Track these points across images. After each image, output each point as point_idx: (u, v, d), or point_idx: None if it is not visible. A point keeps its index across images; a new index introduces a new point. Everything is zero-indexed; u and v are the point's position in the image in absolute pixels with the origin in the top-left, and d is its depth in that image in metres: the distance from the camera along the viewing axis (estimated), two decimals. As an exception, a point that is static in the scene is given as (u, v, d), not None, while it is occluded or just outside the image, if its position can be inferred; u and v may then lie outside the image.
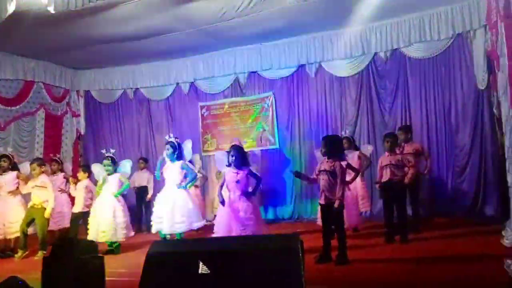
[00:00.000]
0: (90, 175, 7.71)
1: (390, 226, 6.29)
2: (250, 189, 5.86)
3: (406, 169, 6.42)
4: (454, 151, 8.40)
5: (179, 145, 7.01)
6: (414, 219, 6.94)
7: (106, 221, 6.69)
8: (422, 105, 8.69)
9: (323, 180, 5.39)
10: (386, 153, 6.48)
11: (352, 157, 7.37)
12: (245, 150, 6.83)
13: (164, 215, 6.56)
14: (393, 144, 6.48)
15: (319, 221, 6.95)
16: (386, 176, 6.37)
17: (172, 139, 6.96)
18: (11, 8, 6.18)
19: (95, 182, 7.53)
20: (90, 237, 6.61)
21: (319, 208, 6.28)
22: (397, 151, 6.66)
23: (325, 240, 5.38)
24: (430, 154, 7.65)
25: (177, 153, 6.87)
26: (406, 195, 6.50)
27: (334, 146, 5.55)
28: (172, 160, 6.88)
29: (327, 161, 5.41)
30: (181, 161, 6.88)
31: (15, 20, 6.51)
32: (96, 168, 7.39)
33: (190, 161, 7.72)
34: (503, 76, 5.66)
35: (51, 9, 6.03)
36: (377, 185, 6.80)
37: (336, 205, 5.24)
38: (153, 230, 6.79)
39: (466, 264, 4.83)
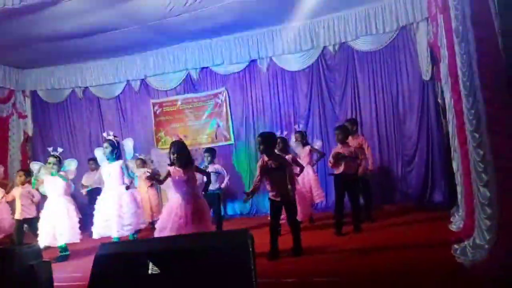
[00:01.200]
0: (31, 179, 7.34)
1: (341, 218, 6.39)
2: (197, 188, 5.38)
3: (358, 160, 6.56)
4: (402, 140, 8.68)
5: (118, 143, 6.71)
6: (367, 209, 7.12)
7: (62, 223, 6.46)
8: (371, 97, 8.92)
9: (274, 177, 5.41)
10: (339, 145, 6.56)
11: (304, 151, 7.48)
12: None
13: (111, 218, 6.29)
14: (344, 135, 6.57)
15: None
16: (340, 168, 6.43)
17: (111, 137, 6.64)
18: None
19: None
20: (44, 242, 6.38)
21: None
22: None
23: (274, 236, 5.40)
24: (369, 147, 7.42)
25: (116, 152, 6.54)
26: (359, 186, 6.67)
27: (271, 143, 5.53)
28: (110, 160, 6.54)
29: (269, 160, 5.42)
30: (121, 161, 6.55)
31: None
32: (34, 166, 7.01)
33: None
34: (445, 66, 5.89)
35: (-14, 7, 5.79)
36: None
37: (292, 198, 5.35)
38: (95, 235, 6.37)
39: (416, 251, 4.98)
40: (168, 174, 5.16)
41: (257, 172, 5.49)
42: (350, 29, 8.74)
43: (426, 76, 8.16)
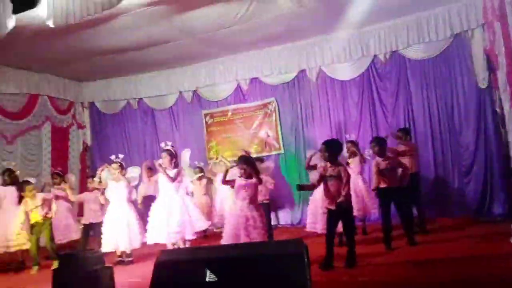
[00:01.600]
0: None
1: (389, 232, 6.24)
2: (259, 198, 5.83)
3: (399, 170, 6.40)
4: (459, 150, 8.41)
5: (176, 153, 6.93)
6: (420, 220, 6.94)
7: (124, 229, 6.70)
8: (425, 105, 8.72)
9: (331, 185, 5.41)
10: (378, 158, 6.43)
11: (354, 161, 7.40)
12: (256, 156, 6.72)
13: (161, 225, 6.47)
14: (382, 148, 6.41)
15: (310, 227, 6.98)
16: (383, 181, 6.31)
17: (169, 147, 6.87)
18: (10, 24, 6.28)
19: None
20: (107, 247, 6.62)
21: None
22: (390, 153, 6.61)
23: (330, 246, 5.38)
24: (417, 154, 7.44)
25: (175, 161, 6.78)
26: (405, 197, 6.49)
27: (336, 150, 5.58)
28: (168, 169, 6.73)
29: (330, 166, 5.44)
30: (176, 170, 6.73)
31: (16, 34, 6.60)
32: (100, 169, 7.36)
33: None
34: (502, 74, 5.70)
35: (50, 23, 6.10)
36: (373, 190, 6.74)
37: (340, 200, 5.28)
38: (149, 240, 6.65)
39: (475, 265, 4.83)
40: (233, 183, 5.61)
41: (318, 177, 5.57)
42: (402, 37, 8.60)
43: (483, 84, 7.91)
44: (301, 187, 5.75)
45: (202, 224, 6.88)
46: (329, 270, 5.19)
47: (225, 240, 5.58)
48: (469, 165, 8.30)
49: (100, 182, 7.15)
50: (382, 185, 6.32)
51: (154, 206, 6.79)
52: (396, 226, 6.52)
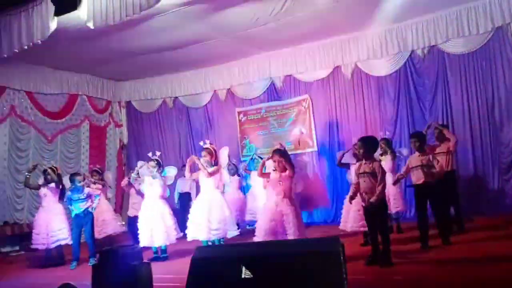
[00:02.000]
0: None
1: (424, 231, 6.06)
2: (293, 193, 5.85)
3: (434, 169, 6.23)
4: (499, 148, 8.15)
5: (215, 151, 6.97)
6: (457, 219, 6.76)
7: (158, 225, 6.77)
8: (464, 101, 8.49)
9: (364, 182, 5.34)
10: (416, 153, 6.26)
11: (387, 159, 7.25)
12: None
13: (201, 222, 6.53)
14: (422, 143, 6.24)
15: (342, 226, 6.91)
16: (419, 178, 6.13)
17: (208, 145, 6.95)
18: (53, 26, 6.52)
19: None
20: (143, 242, 6.72)
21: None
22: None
23: (374, 242, 5.32)
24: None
25: (214, 160, 6.83)
26: (440, 196, 6.32)
27: (372, 147, 5.51)
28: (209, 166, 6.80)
29: (365, 163, 5.36)
30: (215, 167, 6.78)
31: (57, 36, 6.80)
32: (139, 164, 7.35)
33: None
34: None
35: (91, 25, 6.29)
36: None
37: (373, 200, 5.19)
38: (189, 237, 6.71)
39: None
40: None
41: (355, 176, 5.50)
42: (440, 31, 8.40)
43: (525, 79, 7.63)
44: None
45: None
46: (373, 265, 5.12)
47: (258, 234, 5.62)
48: (509, 162, 8.05)
49: (138, 177, 7.24)
50: (416, 182, 6.19)
51: (195, 203, 6.87)
52: (432, 225, 6.41)
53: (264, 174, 5.91)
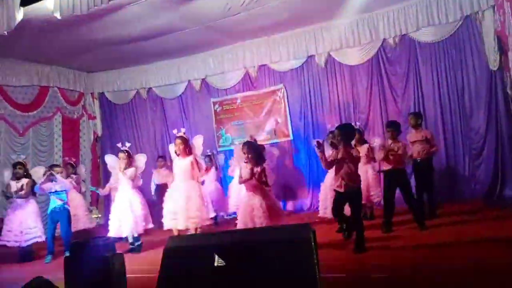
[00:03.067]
0: None
1: (389, 217, 6.26)
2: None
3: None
4: (470, 134, 8.34)
5: (189, 140, 6.96)
6: (430, 204, 6.91)
7: (126, 215, 6.74)
8: (435, 89, 8.63)
9: (342, 168, 5.40)
10: (389, 141, 6.43)
11: (362, 150, 7.34)
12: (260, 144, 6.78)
13: (178, 210, 6.53)
14: (395, 131, 6.41)
15: (322, 213, 7.02)
16: (389, 163, 6.27)
17: (182, 133, 6.89)
18: (19, 16, 6.37)
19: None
20: (112, 232, 6.70)
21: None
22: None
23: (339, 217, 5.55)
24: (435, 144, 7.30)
25: (188, 148, 6.80)
26: (409, 181, 6.47)
27: (349, 134, 5.58)
28: (182, 155, 6.80)
29: (342, 149, 5.42)
30: (191, 157, 6.77)
31: (24, 27, 6.66)
32: (108, 159, 7.35)
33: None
34: (513, 55, 5.63)
35: (57, 15, 6.17)
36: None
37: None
38: (165, 227, 6.70)
39: (486, 249, 4.78)
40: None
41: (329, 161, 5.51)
42: (411, 20, 8.51)
43: (494, 66, 7.79)
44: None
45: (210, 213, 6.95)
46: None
47: (238, 227, 5.67)
48: (479, 148, 8.24)
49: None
50: (386, 168, 6.32)
51: (170, 191, 6.83)
52: (406, 210, 6.54)
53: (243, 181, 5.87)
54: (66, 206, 7.13)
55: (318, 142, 5.47)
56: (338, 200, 5.51)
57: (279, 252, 3.33)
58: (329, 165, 5.49)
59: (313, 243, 3.36)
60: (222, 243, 3.48)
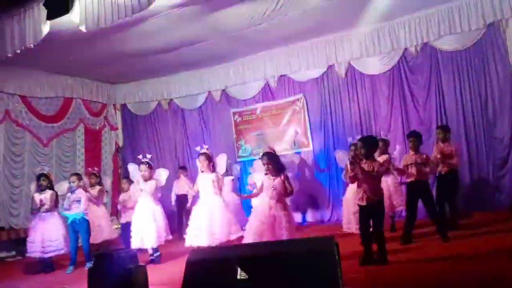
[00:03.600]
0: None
1: (409, 228, 6.17)
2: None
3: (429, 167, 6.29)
4: (494, 143, 8.18)
5: (212, 156, 6.93)
6: (453, 216, 6.78)
7: (148, 227, 6.76)
8: (457, 98, 8.50)
9: (364, 181, 5.30)
10: (411, 152, 6.34)
11: (382, 159, 7.25)
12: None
13: (202, 227, 6.44)
14: (417, 142, 6.33)
15: (345, 227, 6.95)
16: (412, 175, 6.21)
17: (205, 150, 6.89)
18: (45, 30, 6.51)
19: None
20: (134, 244, 6.73)
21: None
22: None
23: (366, 242, 5.32)
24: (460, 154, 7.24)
25: (212, 164, 6.78)
26: (432, 193, 6.37)
27: (372, 147, 5.52)
28: (207, 171, 6.76)
29: (365, 162, 5.37)
30: (214, 173, 6.73)
31: (50, 40, 6.79)
32: (131, 168, 7.38)
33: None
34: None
35: (83, 28, 6.28)
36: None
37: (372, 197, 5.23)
38: (187, 243, 6.58)
39: (510, 260, 4.68)
40: (262, 184, 5.69)
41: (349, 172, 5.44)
42: (433, 28, 8.41)
43: (518, 75, 7.67)
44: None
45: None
46: (367, 265, 5.13)
47: (248, 236, 5.62)
48: (504, 157, 8.07)
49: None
50: (409, 179, 6.25)
51: (195, 208, 6.83)
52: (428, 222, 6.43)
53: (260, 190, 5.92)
54: (85, 216, 7.18)
55: (352, 157, 5.45)
56: (362, 216, 5.39)
57: (302, 264, 3.31)
58: (354, 179, 5.43)
59: (336, 256, 3.33)
60: (245, 256, 3.47)
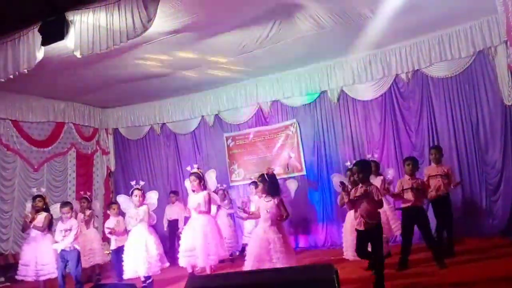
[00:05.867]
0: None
1: (405, 254, 6.15)
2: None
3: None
4: (486, 168, 8.24)
5: (203, 175, 6.97)
6: (449, 242, 6.77)
7: (141, 255, 6.64)
8: (449, 124, 8.60)
9: (361, 206, 5.31)
10: (407, 177, 6.37)
11: (376, 182, 7.29)
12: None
13: (197, 247, 6.44)
14: (414, 167, 6.38)
15: (345, 254, 6.92)
16: (408, 200, 6.20)
17: (195, 170, 6.91)
18: (39, 56, 6.49)
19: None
20: (128, 274, 6.62)
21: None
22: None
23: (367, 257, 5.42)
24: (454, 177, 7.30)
25: (203, 183, 6.81)
26: (428, 219, 6.37)
27: (368, 170, 5.54)
28: (197, 191, 6.79)
29: (362, 186, 5.37)
30: (205, 192, 6.77)
31: (44, 65, 6.77)
32: (121, 199, 7.30)
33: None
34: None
35: (78, 54, 6.26)
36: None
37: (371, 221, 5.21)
38: (182, 263, 6.60)
39: (507, 287, 4.68)
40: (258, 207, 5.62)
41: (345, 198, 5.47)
42: (424, 55, 8.56)
43: (508, 101, 7.78)
44: (343, 186, 5.54)
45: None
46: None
47: (247, 263, 5.58)
48: (496, 183, 8.12)
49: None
50: (404, 205, 6.25)
51: (186, 228, 6.79)
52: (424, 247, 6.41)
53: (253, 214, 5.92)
54: (75, 245, 7.06)
55: (342, 183, 5.44)
56: (360, 240, 5.39)
57: (302, 293, 3.27)
58: (351, 205, 5.42)
59: (336, 284, 3.29)
60: (244, 283, 3.42)
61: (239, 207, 7.65)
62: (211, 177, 7.48)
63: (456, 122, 8.54)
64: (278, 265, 5.28)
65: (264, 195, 5.75)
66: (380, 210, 6.68)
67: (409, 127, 9.00)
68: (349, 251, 6.71)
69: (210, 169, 9.74)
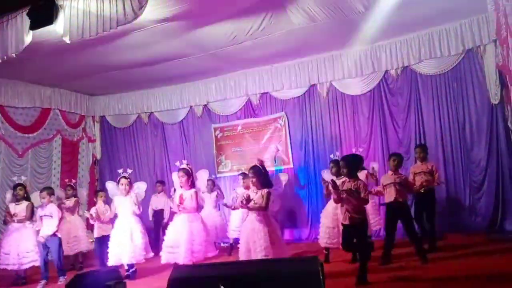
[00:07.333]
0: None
1: (388, 249, 6.22)
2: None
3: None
4: (470, 166, 8.34)
5: (192, 171, 6.85)
6: (431, 237, 6.85)
7: (126, 243, 6.65)
8: (436, 121, 8.67)
9: (347, 200, 5.34)
10: (390, 172, 6.45)
11: (360, 176, 7.33)
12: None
13: (180, 244, 6.34)
14: (399, 163, 6.45)
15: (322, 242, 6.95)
16: (391, 195, 6.27)
17: (185, 165, 6.81)
18: (27, 40, 6.40)
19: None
20: (111, 261, 6.61)
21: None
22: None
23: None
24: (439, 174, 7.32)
25: (191, 180, 6.71)
26: (411, 214, 6.47)
27: (355, 165, 5.56)
28: (185, 187, 6.68)
29: (349, 181, 5.39)
30: (193, 190, 6.67)
31: (31, 50, 6.68)
32: (109, 185, 7.25)
33: None
34: (516, 90, 5.67)
35: (67, 39, 6.19)
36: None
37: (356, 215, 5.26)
38: (163, 260, 6.50)
39: (488, 283, 4.74)
40: (248, 197, 5.52)
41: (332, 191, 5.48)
42: (413, 52, 8.61)
43: (495, 100, 7.88)
44: (334, 185, 5.40)
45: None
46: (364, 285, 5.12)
47: (240, 253, 5.61)
48: (480, 181, 8.22)
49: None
50: (387, 200, 6.31)
51: (171, 224, 6.74)
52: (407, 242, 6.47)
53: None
54: (57, 233, 7.01)
55: (333, 181, 5.45)
56: (346, 234, 5.41)
57: (287, 284, 3.28)
58: (338, 200, 5.44)
59: (321, 276, 3.31)
60: (228, 274, 3.42)
61: (225, 205, 8.20)
62: (202, 177, 7.42)
63: (443, 119, 8.62)
64: (270, 257, 5.26)
65: (254, 187, 5.69)
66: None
67: (397, 123, 9.06)
68: (323, 239, 6.76)
69: (196, 159, 9.83)
